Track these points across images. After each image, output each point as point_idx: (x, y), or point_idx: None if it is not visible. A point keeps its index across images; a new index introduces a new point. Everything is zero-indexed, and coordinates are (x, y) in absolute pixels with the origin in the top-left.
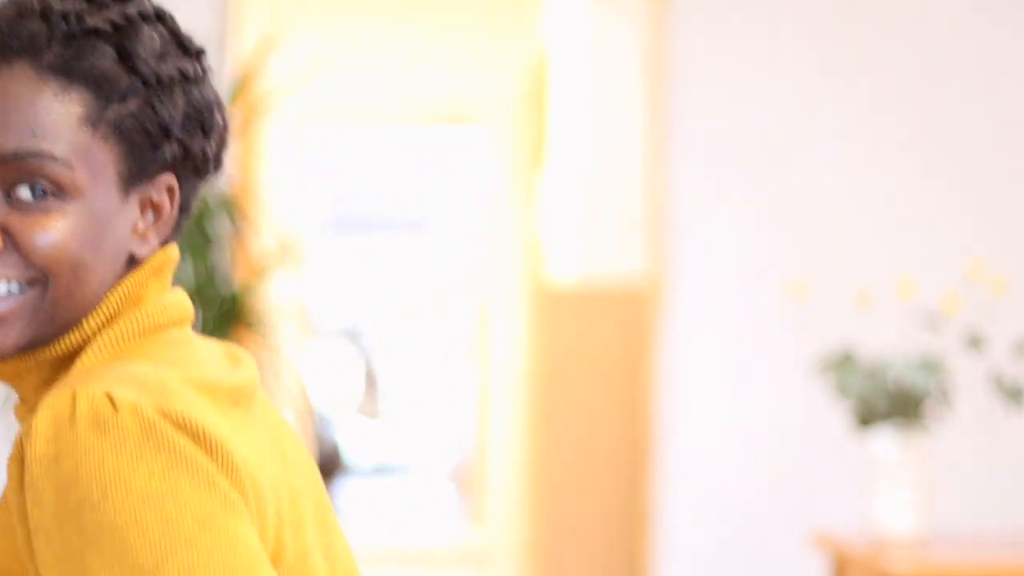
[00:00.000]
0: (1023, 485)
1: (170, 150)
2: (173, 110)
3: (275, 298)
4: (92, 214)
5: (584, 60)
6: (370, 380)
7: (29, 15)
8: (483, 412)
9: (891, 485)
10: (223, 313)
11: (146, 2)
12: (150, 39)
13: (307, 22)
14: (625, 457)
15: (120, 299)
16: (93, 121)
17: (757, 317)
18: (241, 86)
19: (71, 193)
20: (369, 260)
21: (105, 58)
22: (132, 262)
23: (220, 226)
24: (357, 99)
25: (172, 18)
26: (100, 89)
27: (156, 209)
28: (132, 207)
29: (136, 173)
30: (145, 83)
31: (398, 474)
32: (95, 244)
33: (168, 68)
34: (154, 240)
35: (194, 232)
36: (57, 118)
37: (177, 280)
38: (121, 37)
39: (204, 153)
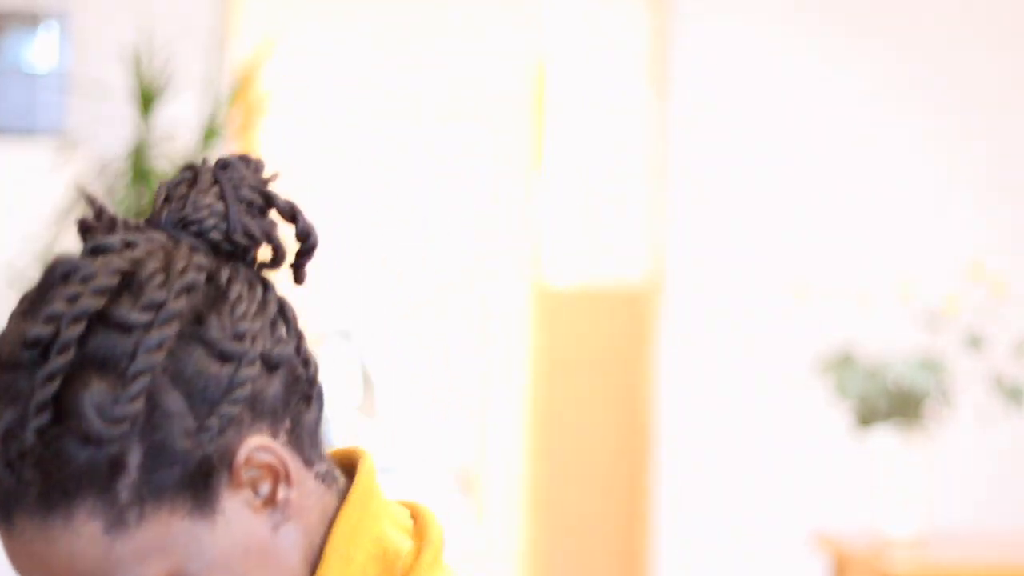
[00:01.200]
0: (1023, 485)
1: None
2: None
3: None
4: (217, 567)
5: (584, 60)
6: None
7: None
8: (483, 412)
9: (891, 485)
10: None
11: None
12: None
13: (306, 22)
14: (625, 458)
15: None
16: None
17: (757, 317)
18: (240, 86)
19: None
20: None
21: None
22: (306, 534)
23: None
24: (357, 99)
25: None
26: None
27: (263, 471)
28: (231, 502)
29: (202, 491)
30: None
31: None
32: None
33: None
34: (293, 499)
35: None
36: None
37: None
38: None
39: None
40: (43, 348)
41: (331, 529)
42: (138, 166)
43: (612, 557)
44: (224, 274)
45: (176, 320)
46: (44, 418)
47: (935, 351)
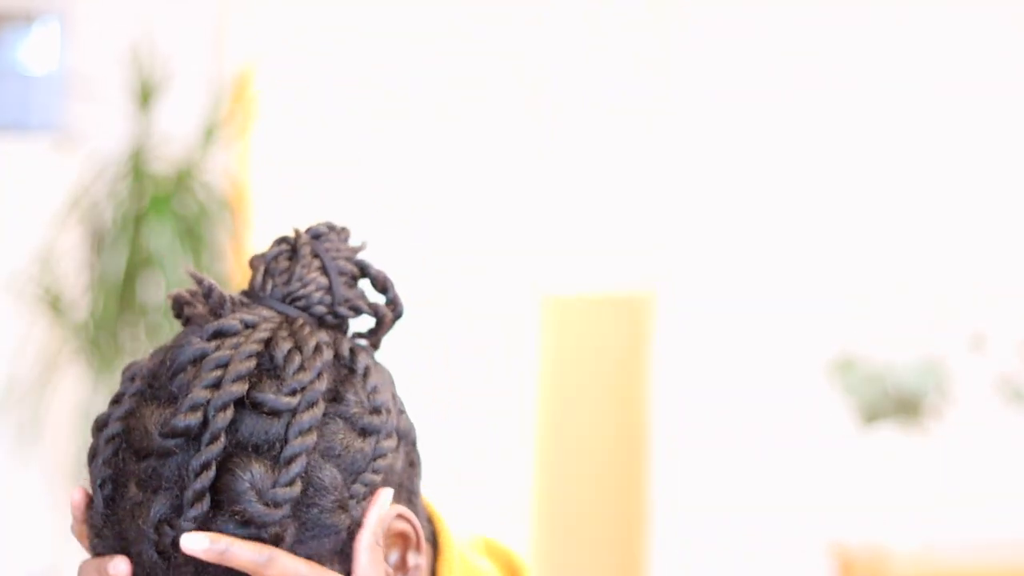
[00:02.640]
0: (1023, 485)
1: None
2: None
3: None
4: None
5: (584, 60)
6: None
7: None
8: (483, 414)
9: (893, 485)
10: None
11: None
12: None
13: (306, 22)
14: (625, 460)
15: None
16: None
17: (758, 319)
18: (240, 86)
19: None
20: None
21: None
22: None
23: (217, 229)
24: (357, 99)
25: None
26: None
27: (395, 539)
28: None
29: (348, 552)
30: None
31: None
32: None
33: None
34: (422, 565)
35: (190, 235)
36: None
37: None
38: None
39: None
40: (192, 438)
41: (436, 566)
42: (137, 166)
43: (612, 559)
44: (345, 347)
45: (321, 400)
46: (203, 507)
47: (936, 352)
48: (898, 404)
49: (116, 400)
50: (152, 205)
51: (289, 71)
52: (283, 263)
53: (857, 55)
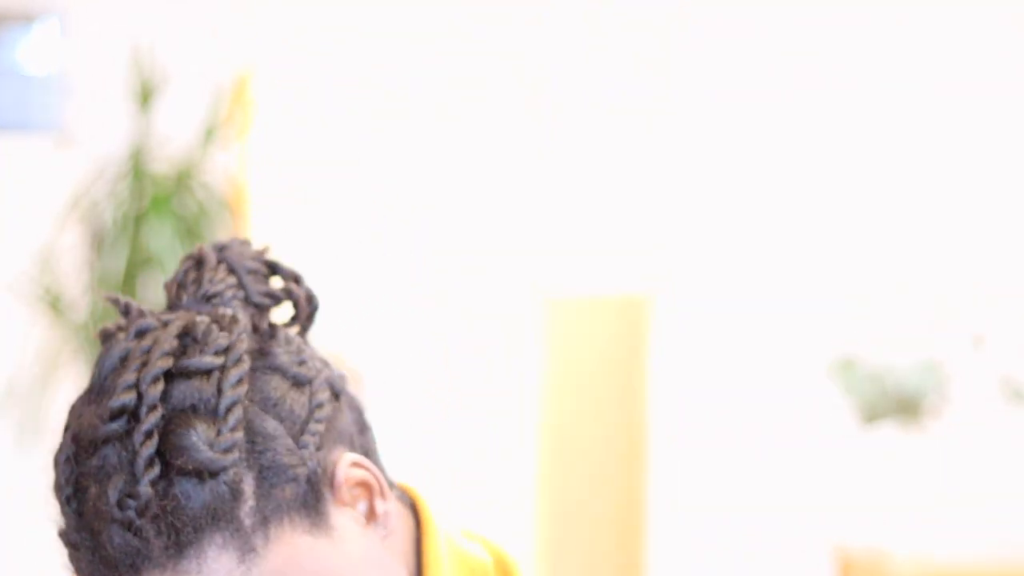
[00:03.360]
0: (1023, 485)
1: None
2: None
3: None
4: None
5: (584, 60)
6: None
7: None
8: (484, 414)
9: (893, 485)
10: None
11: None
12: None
13: (305, 22)
14: (625, 460)
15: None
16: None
17: (758, 320)
18: (238, 88)
19: None
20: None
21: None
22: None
23: (216, 229)
24: (357, 100)
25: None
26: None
27: (361, 489)
28: (341, 519)
29: (314, 508)
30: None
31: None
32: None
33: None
34: (391, 512)
35: (190, 235)
36: None
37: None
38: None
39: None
40: (130, 415)
41: (422, 549)
42: (137, 166)
43: (612, 557)
44: (265, 323)
45: (246, 356)
46: (155, 471)
47: (936, 351)
48: (898, 404)
49: (64, 430)
50: (152, 205)
51: (288, 72)
52: (192, 275)
53: (857, 56)
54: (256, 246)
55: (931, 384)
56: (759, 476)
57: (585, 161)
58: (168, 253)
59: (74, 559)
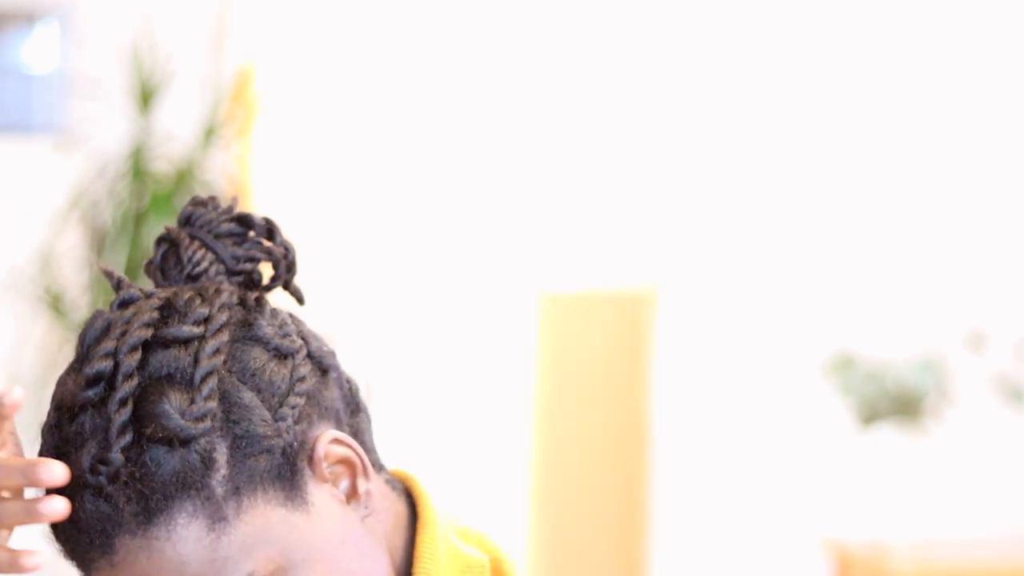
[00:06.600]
0: (1023, 485)
1: (285, 436)
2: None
3: (272, 299)
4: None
5: (583, 58)
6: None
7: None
8: (481, 411)
9: (892, 485)
10: None
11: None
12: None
13: (305, 21)
14: (624, 458)
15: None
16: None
17: (757, 317)
18: (239, 87)
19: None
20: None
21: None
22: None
23: None
24: (356, 99)
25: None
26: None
27: (342, 467)
28: (319, 495)
29: (289, 481)
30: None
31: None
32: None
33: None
34: (373, 492)
35: None
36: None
37: None
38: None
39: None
40: (106, 382)
41: (416, 538)
42: (137, 166)
43: (612, 559)
44: (251, 296)
45: (226, 327)
46: (127, 438)
47: (935, 351)
48: (897, 403)
49: (51, 401)
50: (152, 205)
51: (289, 71)
52: (171, 259)
53: (857, 54)
54: (222, 203)
55: (930, 383)
56: (759, 474)
57: (584, 155)
58: None
59: (53, 529)
